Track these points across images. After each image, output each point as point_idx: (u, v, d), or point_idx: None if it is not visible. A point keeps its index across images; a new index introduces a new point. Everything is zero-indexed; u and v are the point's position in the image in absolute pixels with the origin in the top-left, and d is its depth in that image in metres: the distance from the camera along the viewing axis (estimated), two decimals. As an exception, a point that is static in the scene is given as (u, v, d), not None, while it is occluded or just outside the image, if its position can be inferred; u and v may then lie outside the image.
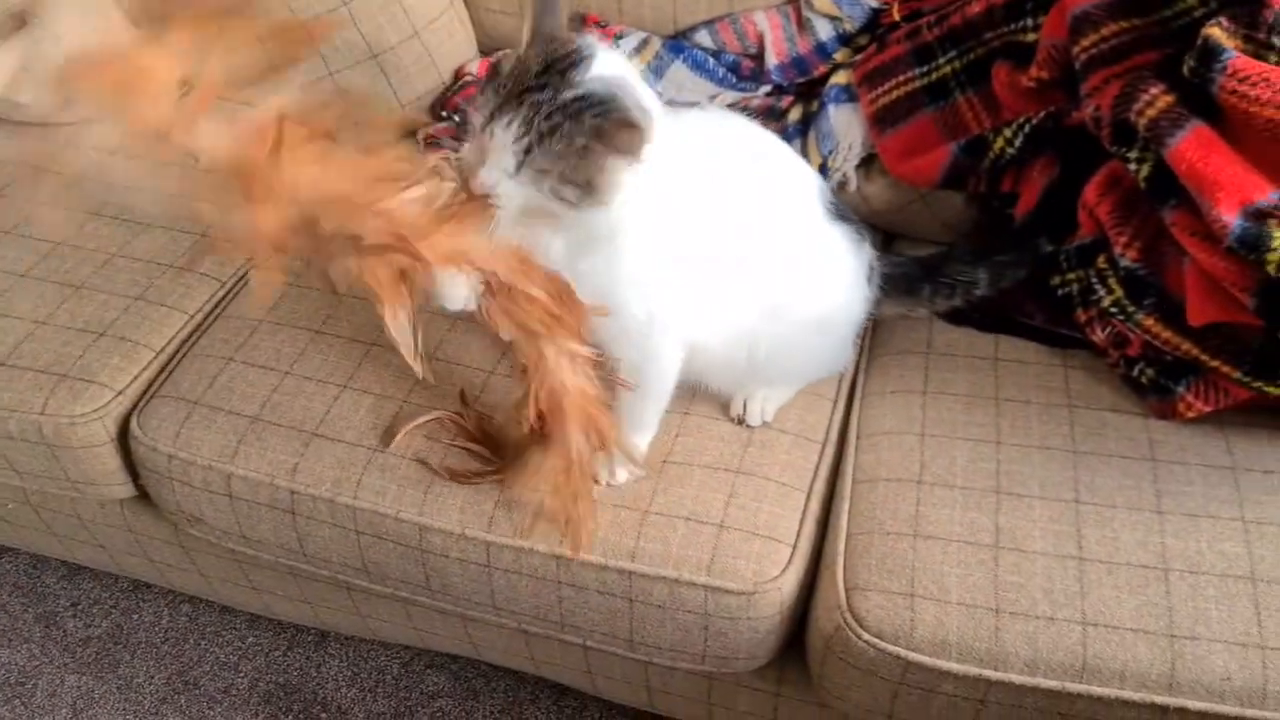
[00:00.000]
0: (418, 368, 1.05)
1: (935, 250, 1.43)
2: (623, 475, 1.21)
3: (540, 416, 1.10)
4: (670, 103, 1.21)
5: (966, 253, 1.36)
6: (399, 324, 1.01)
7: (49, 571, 1.90)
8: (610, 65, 1.03)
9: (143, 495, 1.45)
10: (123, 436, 1.38)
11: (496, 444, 1.24)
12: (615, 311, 1.09)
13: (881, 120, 1.50)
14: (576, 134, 0.97)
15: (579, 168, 0.98)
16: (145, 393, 1.39)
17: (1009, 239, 1.37)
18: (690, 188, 1.10)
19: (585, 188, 1.00)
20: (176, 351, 1.44)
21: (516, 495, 1.20)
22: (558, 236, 1.07)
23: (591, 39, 1.04)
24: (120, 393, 1.38)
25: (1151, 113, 1.14)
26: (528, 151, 0.99)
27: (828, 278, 1.24)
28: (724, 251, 1.14)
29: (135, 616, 1.83)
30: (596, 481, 1.20)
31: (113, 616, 1.83)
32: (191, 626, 1.81)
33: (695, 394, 1.30)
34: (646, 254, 1.09)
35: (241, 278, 1.55)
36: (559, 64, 1.01)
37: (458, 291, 1.06)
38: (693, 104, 1.25)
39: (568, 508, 1.14)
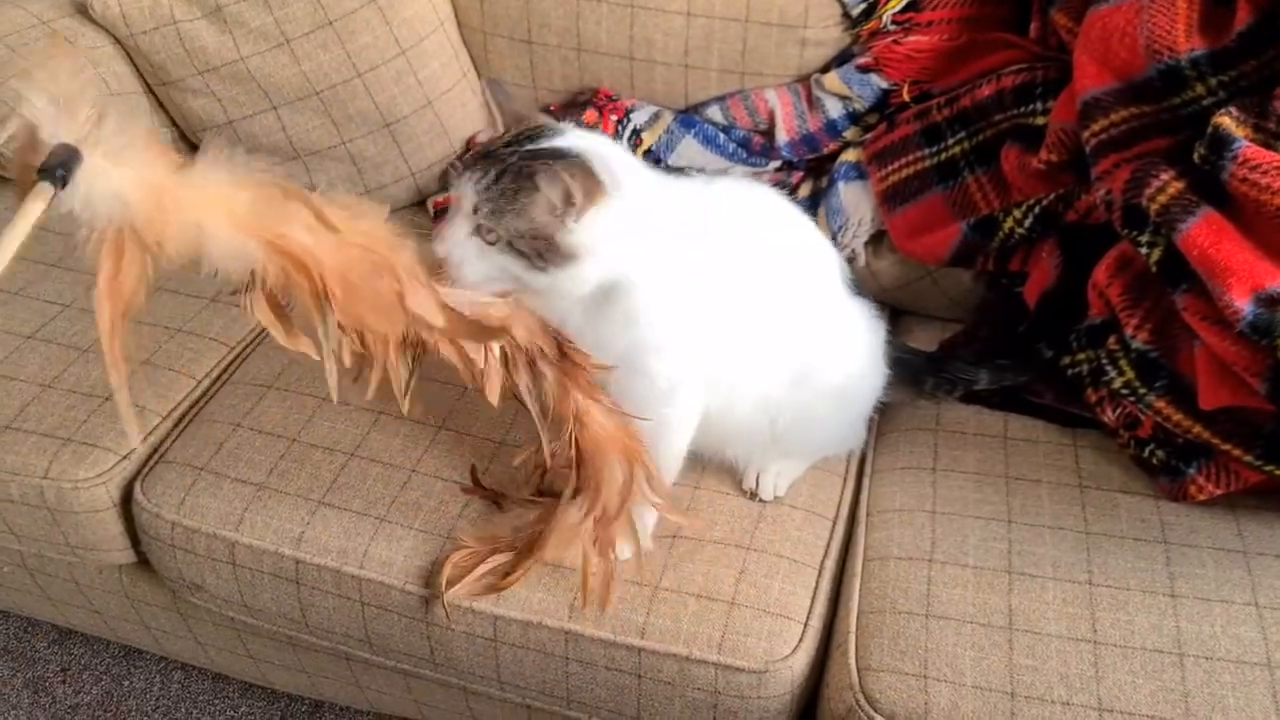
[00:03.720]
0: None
1: (938, 344, 1.47)
2: (627, 551, 1.19)
3: (579, 458, 1.09)
4: (697, 171, 1.24)
5: (969, 354, 1.39)
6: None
7: (40, 636, 1.87)
8: (581, 138, 1.06)
9: (142, 561, 1.43)
10: (126, 502, 1.37)
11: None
12: (636, 375, 1.10)
13: (891, 198, 1.52)
14: (520, 185, 1.00)
15: (525, 222, 1.00)
16: (150, 458, 1.38)
17: (1012, 343, 1.39)
18: (713, 252, 1.12)
19: (545, 247, 1.01)
20: (183, 416, 1.44)
21: (553, 560, 1.18)
22: (576, 304, 1.08)
23: (568, 125, 1.07)
24: (125, 457, 1.37)
25: (1163, 199, 1.15)
26: (476, 210, 1.01)
27: (850, 348, 1.25)
28: (749, 316, 1.14)
29: (126, 684, 1.80)
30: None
31: (103, 683, 1.80)
32: (183, 694, 1.78)
33: (705, 468, 1.30)
34: (667, 320, 1.09)
35: (249, 343, 1.55)
36: (526, 134, 1.05)
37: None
38: (720, 172, 1.27)
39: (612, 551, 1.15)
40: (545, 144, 1.05)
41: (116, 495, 1.37)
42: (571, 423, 1.06)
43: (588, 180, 1.00)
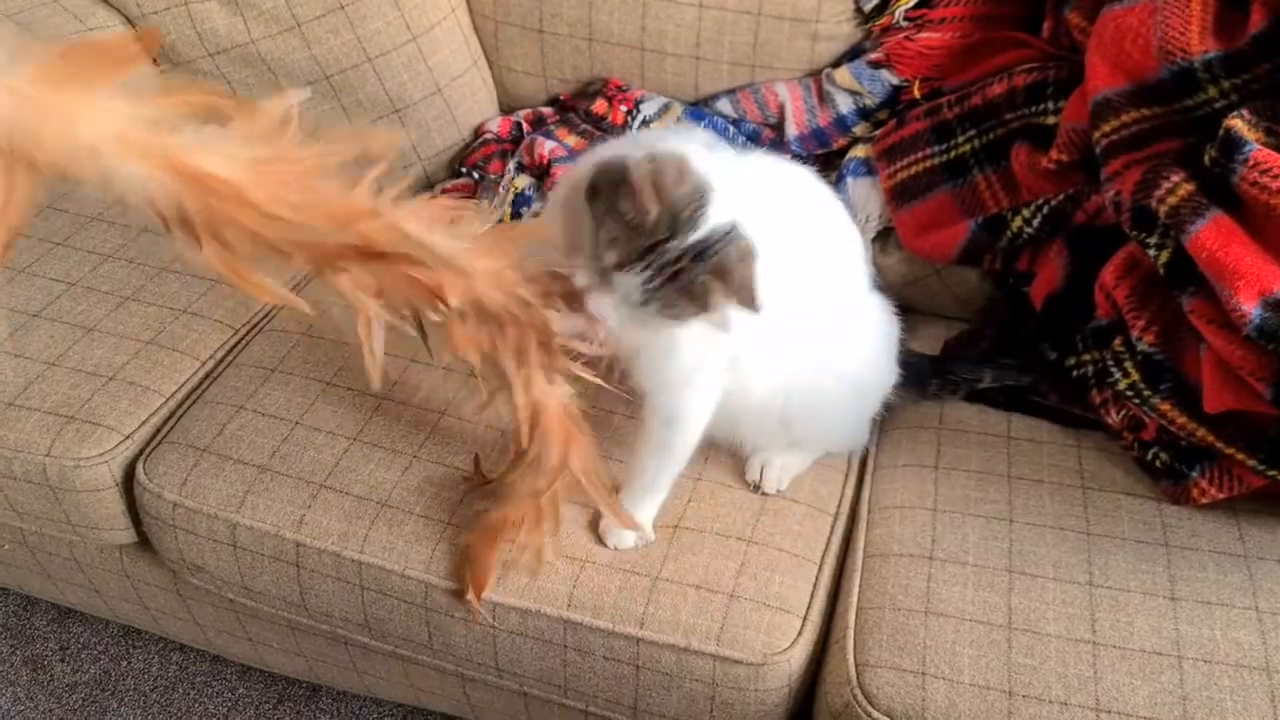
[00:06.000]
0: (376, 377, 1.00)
1: (943, 342, 1.49)
2: (629, 540, 1.20)
3: (531, 431, 1.10)
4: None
5: (974, 353, 1.40)
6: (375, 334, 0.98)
7: (39, 614, 1.87)
8: (726, 205, 1.00)
9: (143, 541, 1.43)
10: (128, 482, 1.37)
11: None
12: (663, 356, 1.11)
13: (899, 195, 1.52)
14: (698, 274, 0.98)
15: (696, 298, 1.00)
16: (153, 438, 1.38)
17: (1017, 343, 1.40)
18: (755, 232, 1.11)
19: (699, 308, 1.01)
20: (187, 398, 1.44)
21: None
22: None
23: (705, 182, 0.99)
24: (128, 437, 1.37)
25: (1172, 200, 1.15)
26: (652, 292, 0.99)
27: (870, 337, 1.26)
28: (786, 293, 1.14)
29: (125, 664, 1.80)
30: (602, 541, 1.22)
31: (101, 663, 1.80)
32: (181, 676, 1.78)
33: (708, 459, 1.30)
34: None
35: (254, 326, 1.55)
36: (682, 214, 0.98)
37: None
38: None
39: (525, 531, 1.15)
40: (702, 223, 0.98)
41: (119, 474, 1.37)
42: (518, 388, 1.06)
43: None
